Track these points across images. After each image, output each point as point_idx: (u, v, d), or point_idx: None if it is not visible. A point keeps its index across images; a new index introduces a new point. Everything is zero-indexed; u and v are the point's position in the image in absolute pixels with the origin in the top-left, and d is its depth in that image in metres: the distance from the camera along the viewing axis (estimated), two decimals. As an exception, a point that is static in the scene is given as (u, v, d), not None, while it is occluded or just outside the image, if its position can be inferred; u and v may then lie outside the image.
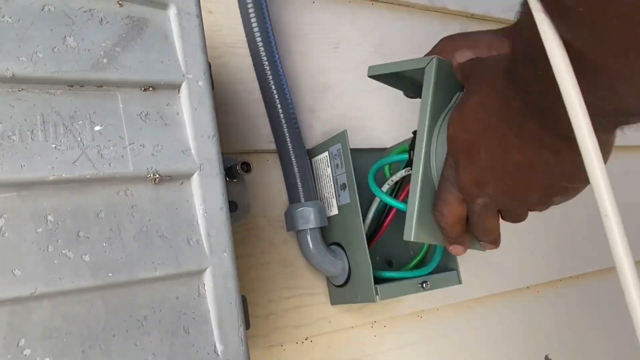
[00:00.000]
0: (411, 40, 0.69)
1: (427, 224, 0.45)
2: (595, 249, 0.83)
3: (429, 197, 0.45)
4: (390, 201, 0.50)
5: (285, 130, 0.54)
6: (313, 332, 0.55)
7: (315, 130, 0.59)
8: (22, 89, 0.31)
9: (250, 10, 0.54)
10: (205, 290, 0.34)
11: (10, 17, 0.31)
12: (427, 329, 0.63)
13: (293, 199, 0.53)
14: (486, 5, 0.76)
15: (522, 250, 0.75)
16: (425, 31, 0.71)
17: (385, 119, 0.65)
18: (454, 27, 0.74)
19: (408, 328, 0.62)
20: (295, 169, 0.53)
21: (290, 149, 0.53)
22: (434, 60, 0.43)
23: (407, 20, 0.70)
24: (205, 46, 0.37)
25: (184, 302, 0.33)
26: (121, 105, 0.33)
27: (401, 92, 0.70)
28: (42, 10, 0.32)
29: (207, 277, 0.34)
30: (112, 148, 0.32)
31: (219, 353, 0.33)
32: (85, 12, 0.33)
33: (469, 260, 0.66)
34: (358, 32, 0.65)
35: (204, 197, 0.35)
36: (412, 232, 0.44)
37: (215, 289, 0.34)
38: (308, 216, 0.51)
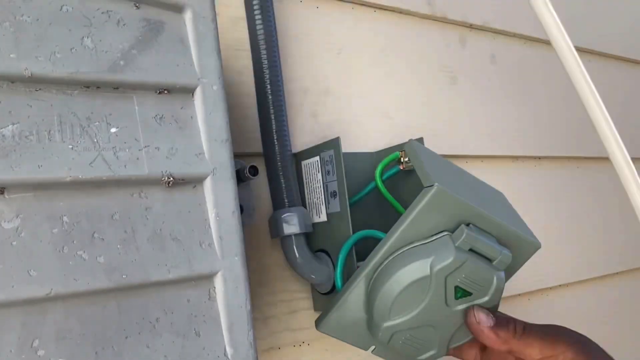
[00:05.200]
0: (412, 47, 0.70)
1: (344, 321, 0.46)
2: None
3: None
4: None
5: (275, 135, 0.53)
6: (310, 335, 0.55)
7: (316, 134, 0.59)
8: (40, 89, 0.31)
9: (256, 14, 0.54)
10: (216, 293, 0.34)
11: (29, 17, 0.31)
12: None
13: (277, 205, 0.53)
14: (485, 16, 0.77)
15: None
16: (425, 39, 0.72)
17: (386, 125, 0.65)
18: (452, 36, 0.75)
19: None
20: (281, 175, 0.53)
21: (277, 155, 0.53)
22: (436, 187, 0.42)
23: (408, 27, 0.70)
24: (219, 50, 0.37)
25: (195, 304, 0.33)
26: (136, 108, 0.34)
27: (404, 100, 0.71)
28: (60, 10, 0.32)
29: (218, 281, 0.34)
30: (127, 150, 0.32)
31: (229, 356, 0.33)
32: (102, 13, 0.33)
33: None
34: (360, 38, 0.65)
35: (216, 201, 0.35)
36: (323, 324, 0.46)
37: (226, 292, 0.34)
38: (292, 221, 0.51)
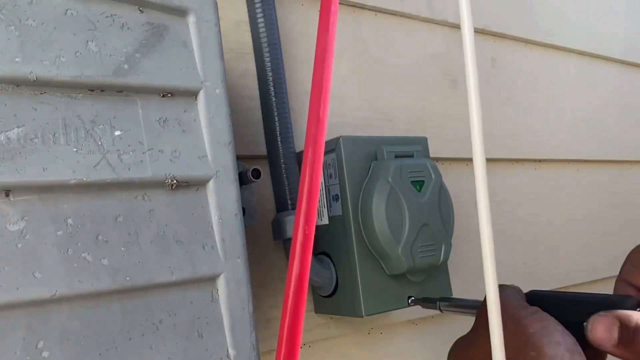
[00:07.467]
0: (413, 50, 0.70)
1: (376, 292, 0.51)
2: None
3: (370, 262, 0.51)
4: None
5: (279, 137, 0.54)
6: (312, 338, 0.56)
7: (318, 137, 0.59)
8: (45, 92, 0.31)
9: (259, 17, 0.55)
10: (218, 295, 0.34)
11: (34, 21, 0.31)
12: (422, 337, 0.64)
13: (281, 207, 0.53)
14: (485, 20, 0.78)
15: (514, 259, 0.76)
16: (426, 42, 0.72)
17: (388, 128, 0.65)
18: (453, 40, 0.75)
19: (404, 335, 0.63)
20: (284, 177, 0.53)
21: (281, 157, 0.53)
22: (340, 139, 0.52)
23: (409, 30, 0.71)
24: (222, 54, 0.37)
25: (198, 306, 0.33)
26: (140, 111, 0.34)
27: (405, 103, 0.71)
28: (65, 14, 0.32)
29: (221, 283, 0.34)
30: (131, 153, 0.33)
31: (232, 358, 0.34)
32: (107, 17, 0.34)
33: (463, 268, 0.67)
34: (362, 40, 0.66)
35: (219, 204, 0.35)
36: (362, 308, 0.50)
37: (228, 294, 0.34)
38: None
